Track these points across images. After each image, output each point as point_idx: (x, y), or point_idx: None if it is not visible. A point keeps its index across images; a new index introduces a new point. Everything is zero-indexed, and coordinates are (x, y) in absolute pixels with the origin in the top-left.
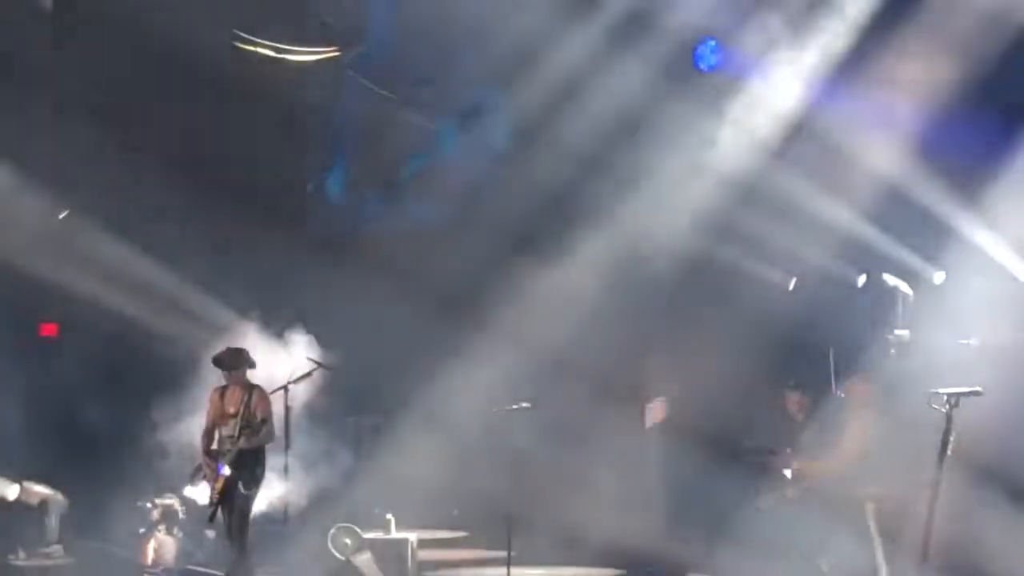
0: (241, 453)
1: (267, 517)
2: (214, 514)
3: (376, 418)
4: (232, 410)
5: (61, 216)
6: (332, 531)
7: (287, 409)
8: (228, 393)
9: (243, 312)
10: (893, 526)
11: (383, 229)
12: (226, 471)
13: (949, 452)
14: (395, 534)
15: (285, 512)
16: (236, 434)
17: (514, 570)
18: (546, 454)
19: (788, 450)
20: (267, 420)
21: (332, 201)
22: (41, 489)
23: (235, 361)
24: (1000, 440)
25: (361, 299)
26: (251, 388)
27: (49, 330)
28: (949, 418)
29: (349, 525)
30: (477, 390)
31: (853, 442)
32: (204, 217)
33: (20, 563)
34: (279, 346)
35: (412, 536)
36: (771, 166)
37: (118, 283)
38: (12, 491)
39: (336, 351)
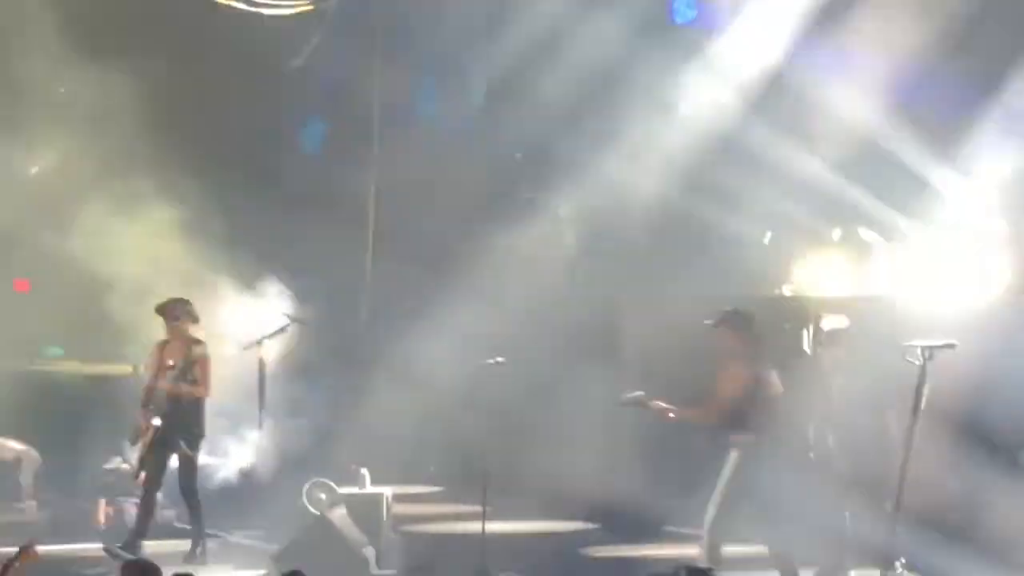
0: (177, 409)
1: (242, 473)
2: (140, 470)
3: (351, 374)
4: (171, 362)
5: (32, 171)
6: (307, 486)
7: (261, 364)
8: (169, 346)
9: (217, 267)
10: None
11: (359, 185)
12: (156, 422)
13: (923, 404)
14: (370, 489)
15: (258, 469)
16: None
17: (489, 525)
18: (522, 409)
19: (657, 401)
20: (204, 372)
21: (308, 157)
22: (15, 445)
23: (175, 311)
24: (974, 392)
25: (337, 255)
26: (193, 342)
27: (22, 286)
28: (923, 371)
29: (324, 480)
30: (453, 346)
31: (722, 391)
32: (178, 173)
33: None
34: (253, 301)
35: (388, 491)
36: (746, 120)
37: (89, 238)
38: None
39: (311, 307)
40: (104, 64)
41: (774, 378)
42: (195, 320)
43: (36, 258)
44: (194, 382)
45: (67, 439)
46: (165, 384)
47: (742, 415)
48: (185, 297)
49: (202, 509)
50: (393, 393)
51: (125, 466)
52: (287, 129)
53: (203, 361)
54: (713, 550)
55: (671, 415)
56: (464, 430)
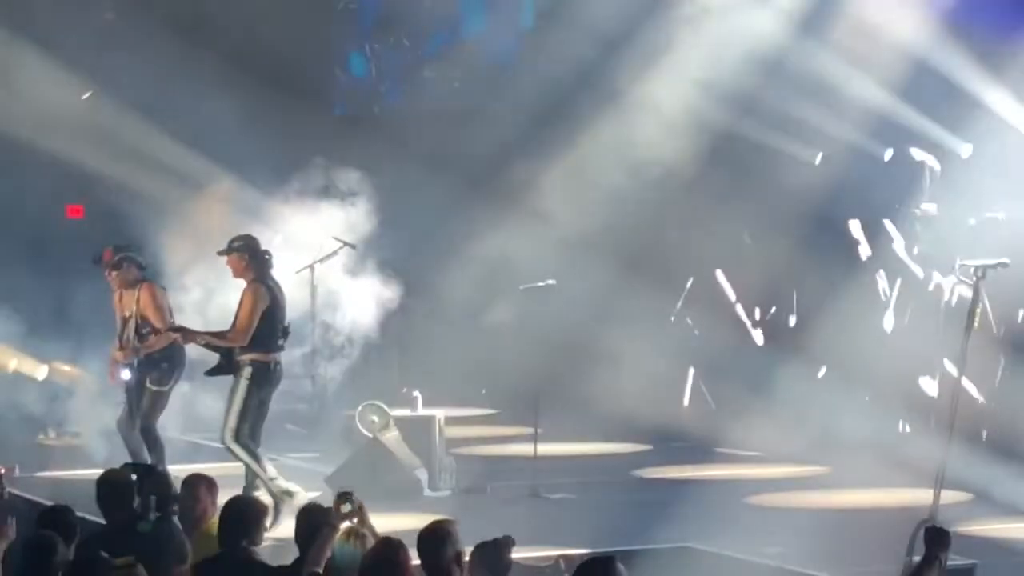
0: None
1: (295, 397)
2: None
3: (403, 297)
4: (127, 313)
5: (84, 97)
6: (359, 409)
7: (313, 288)
8: (122, 297)
9: (268, 192)
10: None
11: (407, 108)
12: (125, 376)
13: (976, 324)
14: (422, 412)
15: (312, 392)
16: (133, 339)
17: (541, 446)
18: (573, 331)
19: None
20: (157, 316)
21: (356, 80)
22: (70, 370)
23: (110, 261)
24: None
25: (386, 178)
26: (139, 287)
27: (75, 212)
28: (976, 290)
29: (376, 403)
30: (504, 268)
31: (245, 313)
32: (229, 98)
33: (50, 443)
34: (304, 225)
35: (440, 414)
36: (797, 40)
37: (143, 164)
38: (41, 372)
39: (362, 230)
40: None
41: (279, 295)
42: (141, 267)
43: (91, 185)
44: (152, 331)
45: None
46: (128, 338)
47: (257, 333)
48: (122, 243)
49: (162, 450)
50: (445, 316)
51: None
52: (337, 51)
53: (153, 304)
54: (255, 461)
55: (199, 340)
56: (517, 353)
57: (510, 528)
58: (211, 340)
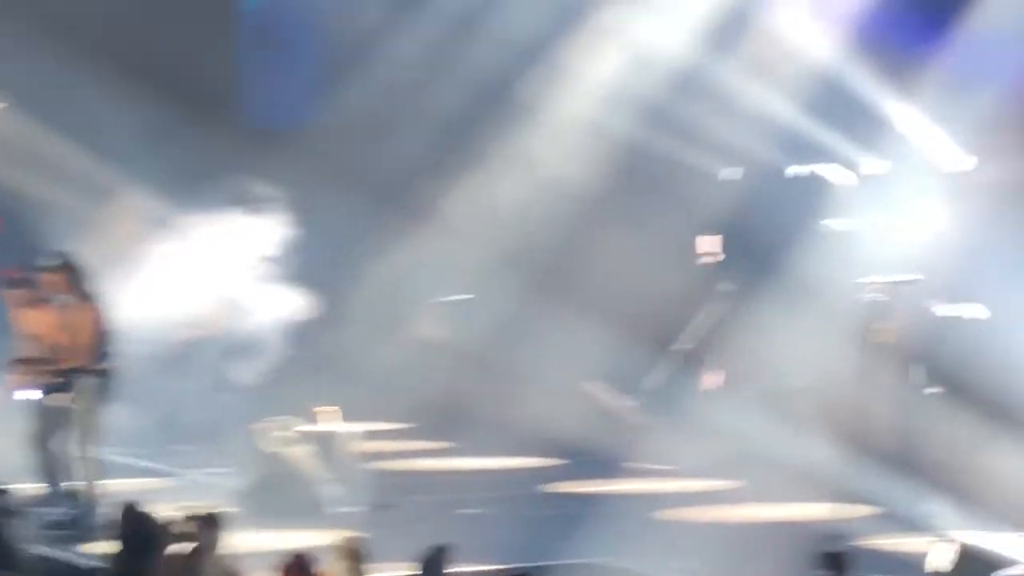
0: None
1: (206, 410)
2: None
3: (316, 310)
4: (32, 332)
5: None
6: (269, 423)
7: (225, 301)
8: (27, 314)
9: (179, 204)
10: None
11: (316, 121)
12: (29, 395)
13: (878, 340)
14: (334, 426)
15: (223, 406)
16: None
17: (457, 461)
18: (486, 346)
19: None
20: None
21: (264, 93)
22: None
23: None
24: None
25: (298, 191)
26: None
27: None
28: (876, 307)
29: (287, 417)
30: (417, 283)
31: (88, 331)
32: (138, 110)
33: None
34: (217, 238)
35: (353, 428)
36: (708, 56)
37: (55, 176)
38: None
39: (274, 243)
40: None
41: (103, 307)
42: (36, 284)
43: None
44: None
45: None
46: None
47: (87, 348)
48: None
49: (67, 467)
50: (359, 330)
51: None
52: (246, 64)
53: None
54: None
55: (34, 368)
56: (433, 367)
57: (423, 544)
58: (42, 366)
